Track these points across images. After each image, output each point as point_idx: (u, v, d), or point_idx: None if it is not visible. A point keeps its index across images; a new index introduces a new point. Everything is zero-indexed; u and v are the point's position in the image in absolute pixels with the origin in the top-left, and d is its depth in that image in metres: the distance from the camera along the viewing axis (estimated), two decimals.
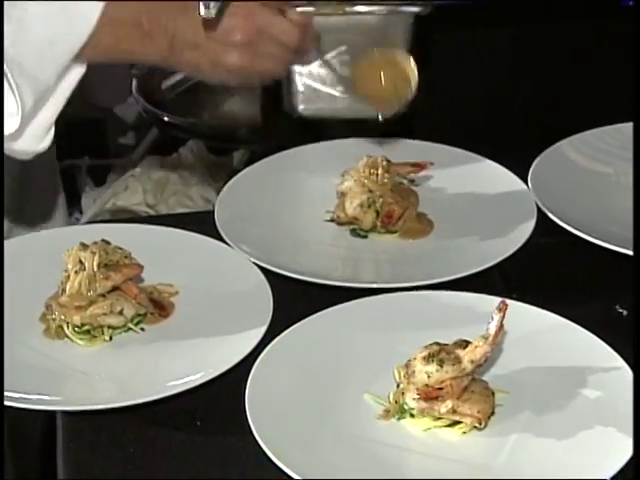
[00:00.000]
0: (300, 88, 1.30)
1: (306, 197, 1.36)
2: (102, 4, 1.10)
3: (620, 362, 1.06)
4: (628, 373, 1.04)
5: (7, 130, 1.09)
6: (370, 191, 1.29)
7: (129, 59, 1.20)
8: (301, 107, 1.32)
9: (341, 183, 1.31)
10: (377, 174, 1.30)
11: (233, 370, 1.08)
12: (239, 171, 1.47)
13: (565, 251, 1.26)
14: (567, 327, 1.11)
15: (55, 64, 1.10)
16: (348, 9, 1.25)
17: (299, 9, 1.20)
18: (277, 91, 1.72)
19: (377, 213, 1.29)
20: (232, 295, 1.19)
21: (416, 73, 1.27)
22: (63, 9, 1.09)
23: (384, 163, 1.30)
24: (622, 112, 1.43)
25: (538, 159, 1.37)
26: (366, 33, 1.26)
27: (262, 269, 1.21)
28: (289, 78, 1.30)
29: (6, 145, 1.11)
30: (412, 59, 1.28)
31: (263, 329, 1.12)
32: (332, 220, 1.32)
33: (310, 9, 1.22)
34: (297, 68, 1.29)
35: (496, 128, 1.65)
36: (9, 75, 1.07)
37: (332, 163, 1.36)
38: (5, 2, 1.08)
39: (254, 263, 1.22)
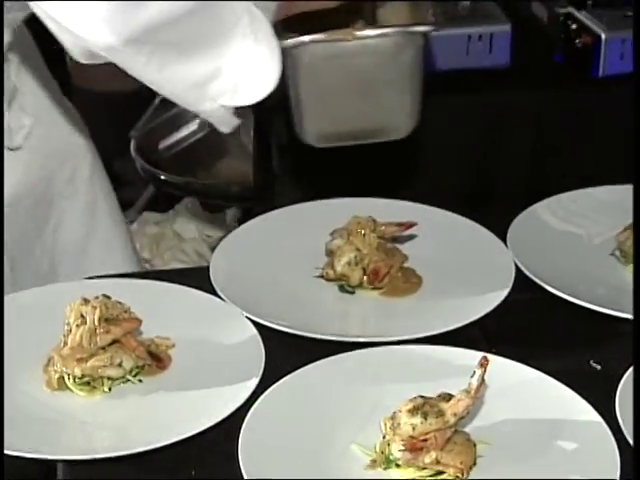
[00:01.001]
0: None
1: (297, 254, 1.35)
2: None
3: (595, 415, 1.05)
4: (602, 426, 1.04)
5: None
6: (358, 249, 1.28)
7: None
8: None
9: (330, 241, 1.31)
10: (364, 233, 1.30)
11: (227, 420, 1.07)
12: (232, 227, 1.46)
13: (542, 308, 1.25)
14: (544, 381, 1.11)
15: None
16: (358, 33, 1.20)
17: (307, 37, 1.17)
18: (268, 151, 1.73)
19: (364, 270, 1.28)
20: (226, 348, 1.18)
21: None
22: None
23: (371, 223, 1.30)
24: (594, 177, 1.44)
25: (516, 220, 1.37)
26: (377, 57, 1.20)
27: (255, 323, 1.21)
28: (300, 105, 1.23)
29: None
30: None
31: (255, 381, 1.11)
32: (321, 276, 1.31)
33: (321, 36, 1.18)
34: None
35: (477, 191, 1.66)
36: None
37: (321, 222, 1.36)
38: None
39: (247, 317, 1.21)
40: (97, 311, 1.12)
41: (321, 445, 1.05)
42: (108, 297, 1.15)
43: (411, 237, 1.35)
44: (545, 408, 1.08)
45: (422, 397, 1.02)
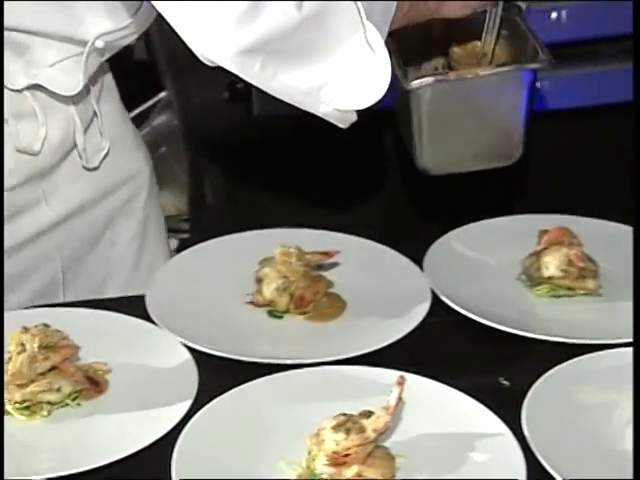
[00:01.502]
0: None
1: (228, 282, 1.38)
2: None
3: (504, 428, 1.09)
4: (511, 438, 1.08)
5: None
6: (285, 277, 1.32)
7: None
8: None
9: (259, 269, 1.34)
10: (291, 262, 1.33)
11: (161, 441, 1.09)
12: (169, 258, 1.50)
13: (455, 329, 1.30)
14: (457, 397, 1.14)
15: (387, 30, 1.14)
16: (478, 72, 1.28)
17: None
18: (202, 186, 1.76)
19: (291, 296, 1.32)
20: (161, 372, 1.20)
21: None
22: None
23: (297, 252, 1.33)
24: (502, 208, 1.49)
25: (431, 248, 1.41)
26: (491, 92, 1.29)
27: (189, 348, 1.23)
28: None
29: None
30: None
31: (189, 403, 1.14)
32: (251, 302, 1.34)
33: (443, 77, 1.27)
34: None
35: (396, 220, 1.69)
36: None
37: (251, 251, 1.39)
38: None
39: (181, 342, 1.24)
40: (36, 339, 1.14)
41: (250, 462, 1.07)
42: (47, 325, 1.17)
43: (335, 265, 1.39)
44: (458, 423, 1.12)
45: (345, 415, 1.06)
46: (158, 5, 1.07)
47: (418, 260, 1.39)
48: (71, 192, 1.40)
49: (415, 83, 1.26)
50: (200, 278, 1.39)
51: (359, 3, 1.07)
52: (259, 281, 1.34)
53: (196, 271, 1.41)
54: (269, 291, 1.32)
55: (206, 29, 1.04)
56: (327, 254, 1.36)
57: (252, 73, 1.07)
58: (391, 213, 1.68)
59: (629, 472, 1.05)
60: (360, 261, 1.41)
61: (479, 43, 1.34)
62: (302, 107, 1.13)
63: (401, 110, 1.35)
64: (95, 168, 1.42)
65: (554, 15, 1.78)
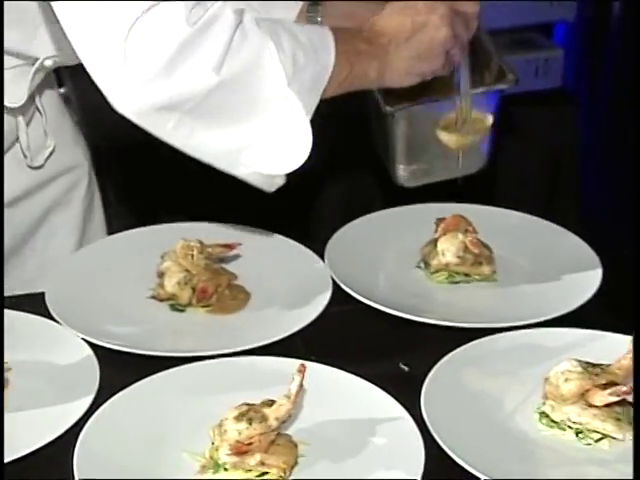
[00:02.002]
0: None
1: (129, 277, 1.37)
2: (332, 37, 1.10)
3: (403, 412, 1.12)
4: (410, 422, 1.10)
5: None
6: (186, 270, 1.32)
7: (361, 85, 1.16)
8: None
9: (161, 264, 1.34)
10: (192, 255, 1.33)
11: (63, 437, 1.09)
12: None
13: (356, 318, 1.31)
14: (359, 384, 1.16)
15: (317, 100, 1.10)
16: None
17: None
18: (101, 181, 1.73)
19: (193, 290, 1.32)
20: (62, 368, 1.19)
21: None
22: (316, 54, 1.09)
23: (198, 245, 1.33)
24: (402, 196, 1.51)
25: (332, 238, 1.43)
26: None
27: (89, 344, 1.22)
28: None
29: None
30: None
31: (90, 398, 1.13)
32: (153, 297, 1.34)
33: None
34: None
35: (296, 212, 1.71)
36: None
37: (152, 246, 1.39)
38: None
39: (82, 338, 1.23)
40: None
41: (154, 455, 1.07)
42: None
43: (237, 257, 1.40)
44: (359, 409, 1.13)
45: (247, 404, 1.07)
46: (79, 52, 1.03)
47: (319, 250, 1.40)
48: (11, 184, 1.37)
49: (391, 109, 1.31)
50: (101, 274, 1.38)
51: (282, 69, 1.05)
52: (161, 275, 1.33)
53: (97, 267, 1.40)
54: (171, 285, 1.32)
55: (121, 83, 1.01)
56: (229, 246, 1.37)
57: (165, 130, 1.04)
58: (291, 205, 1.69)
59: (522, 450, 1.08)
60: (261, 253, 1.42)
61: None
62: (220, 167, 1.10)
63: (378, 128, 1.40)
64: (40, 167, 1.39)
65: None
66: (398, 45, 1.14)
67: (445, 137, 1.37)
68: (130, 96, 1.00)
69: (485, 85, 1.36)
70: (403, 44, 1.14)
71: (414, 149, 1.37)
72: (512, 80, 1.36)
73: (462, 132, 1.36)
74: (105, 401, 1.13)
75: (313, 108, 1.09)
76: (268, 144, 1.09)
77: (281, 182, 1.14)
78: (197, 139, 1.06)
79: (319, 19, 1.39)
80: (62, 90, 2.04)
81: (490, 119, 1.38)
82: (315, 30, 1.12)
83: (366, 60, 1.13)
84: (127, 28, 0.98)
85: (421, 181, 1.40)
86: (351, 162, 1.46)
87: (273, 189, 1.15)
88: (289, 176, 1.14)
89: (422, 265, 1.40)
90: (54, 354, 1.21)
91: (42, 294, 1.31)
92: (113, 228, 1.47)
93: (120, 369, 1.20)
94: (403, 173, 1.38)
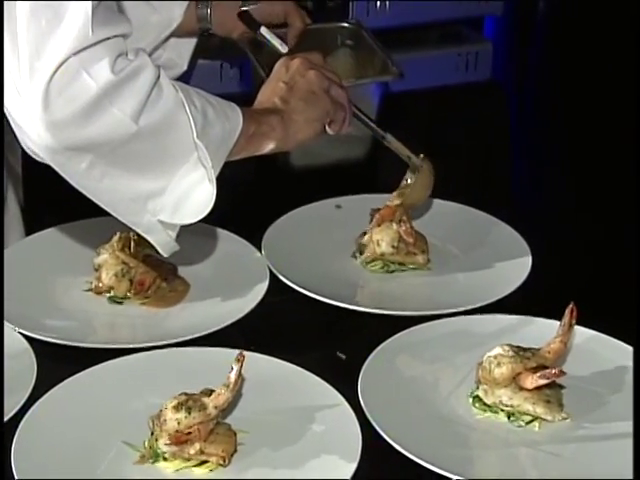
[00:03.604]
0: None
1: (66, 270, 1.36)
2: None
3: (341, 399, 1.12)
4: (347, 409, 1.11)
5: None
6: (124, 263, 1.31)
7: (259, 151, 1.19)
8: None
9: (98, 256, 1.33)
10: (130, 247, 1.32)
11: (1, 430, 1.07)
12: None
13: (294, 307, 1.32)
14: (297, 372, 1.17)
15: (225, 156, 1.11)
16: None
17: None
18: (37, 175, 1.71)
19: (131, 282, 1.31)
20: None
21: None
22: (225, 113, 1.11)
23: (135, 237, 1.32)
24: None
25: (269, 229, 1.43)
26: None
27: (26, 337, 1.21)
28: None
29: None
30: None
31: (28, 391, 1.12)
32: (91, 290, 1.33)
33: None
34: None
35: (234, 204, 1.70)
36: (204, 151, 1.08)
37: (89, 239, 1.38)
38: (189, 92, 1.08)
39: (18, 332, 1.22)
40: None
41: (93, 446, 1.07)
42: None
43: None
44: (298, 397, 1.14)
45: (186, 394, 1.06)
46: None
47: (257, 242, 1.40)
48: None
49: None
50: (38, 267, 1.37)
51: (193, 121, 1.07)
52: (98, 268, 1.32)
53: (34, 260, 1.38)
54: (108, 277, 1.31)
55: (38, 119, 0.99)
56: None
57: (76, 171, 1.04)
58: (229, 198, 1.68)
59: (456, 433, 1.10)
60: (200, 245, 1.41)
61: None
62: (124, 216, 1.10)
63: None
64: None
65: (379, 4, 1.84)
66: (286, 101, 1.19)
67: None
68: (46, 133, 1.00)
69: (368, 77, 1.38)
70: (289, 98, 1.20)
71: None
72: (395, 73, 1.39)
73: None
74: (43, 394, 1.11)
75: (221, 163, 1.11)
76: (175, 193, 1.10)
77: (177, 248, 1.16)
78: (107, 183, 1.07)
79: (208, 11, 1.45)
80: None
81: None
82: (221, 99, 1.15)
83: (269, 116, 1.18)
84: (53, 68, 0.98)
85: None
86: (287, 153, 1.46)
87: (168, 253, 1.17)
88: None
89: (357, 255, 1.41)
90: None
91: None
92: (52, 221, 1.45)
93: (57, 362, 1.19)
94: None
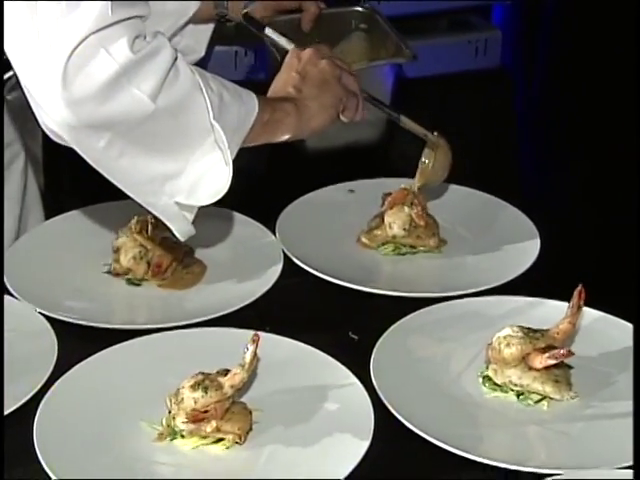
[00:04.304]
0: None
1: (86, 253, 1.36)
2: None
3: (353, 379, 1.13)
4: (360, 388, 1.11)
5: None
6: (142, 245, 1.31)
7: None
8: None
9: (116, 239, 1.33)
10: (147, 230, 1.33)
11: (22, 408, 1.08)
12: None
13: (307, 289, 1.32)
14: (310, 352, 1.17)
15: (241, 139, 1.11)
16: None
17: None
18: (57, 160, 1.72)
19: (148, 264, 1.31)
20: (19, 342, 1.18)
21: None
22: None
23: (153, 221, 1.32)
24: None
25: (282, 214, 1.43)
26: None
27: (48, 318, 1.21)
28: None
29: None
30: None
31: (50, 369, 1.13)
32: (109, 272, 1.33)
33: None
34: None
35: (250, 189, 1.70)
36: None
37: (108, 222, 1.38)
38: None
39: (39, 312, 1.22)
40: None
41: (112, 424, 1.07)
42: None
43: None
44: (311, 376, 1.14)
45: (202, 373, 1.07)
46: (14, 60, 1.01)
47: (271, 226, 1.40)
48: None
49: None
50: (58, 250, 1.37)
51: (209, 103, 1.06)
52: (116, 250, 1.33)
53: (54, 243, 1.38)
54: (126, 260, 1.31)
55: (57, 97, 0.98)
56: None
57: (95, 148, 1.03)
58: (244, 182, 1.68)
59: (467, 412, 1.10)
60: (216, 228, 1.41)
61: None
62: (141, 197, 1.09)
63: None
64: None
65: None
66: (299, 90, 1.19)
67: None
68: (65, 110, 0.99)
69: (381, 59, 1.37)
70: (302, 87, 1.20)
71: None
72: (409, 55, 1.37)
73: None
74: (63, 373, 1.12)
75: (237, 146, 1.11)
76: (192, 175, 1.10)
77: (193, 232, 1.15)
78: (125, 162, 1.06)
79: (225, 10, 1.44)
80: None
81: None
82: (237, 85, 1.15)
83: (284, 103, 1.17)
84: (73, 45, 0.98)
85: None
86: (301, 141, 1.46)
87: (184, 237, 1.15)
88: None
89: (364, 239, 1.40)
90: (12, 328, 1.20)
91: None
92: (71, 205, 1.45)
93: (78, 342, 1.20)
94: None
